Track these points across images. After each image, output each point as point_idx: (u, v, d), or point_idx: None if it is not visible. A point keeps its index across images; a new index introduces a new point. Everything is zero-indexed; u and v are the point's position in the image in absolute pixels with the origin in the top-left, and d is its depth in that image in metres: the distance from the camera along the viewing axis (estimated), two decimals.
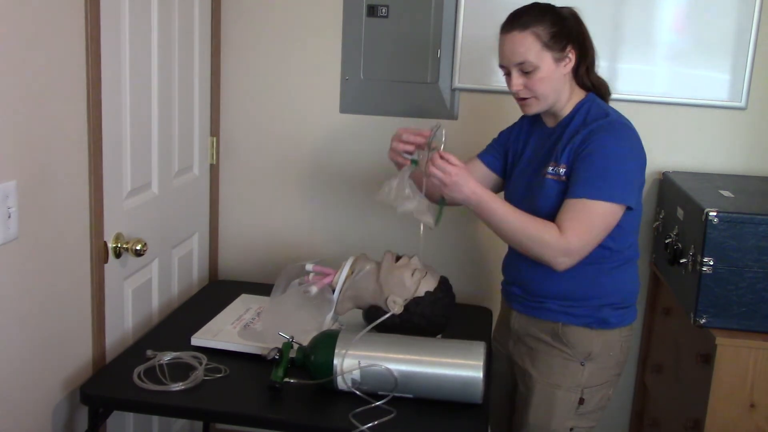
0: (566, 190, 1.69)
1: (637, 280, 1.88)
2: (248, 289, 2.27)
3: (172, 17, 2.17)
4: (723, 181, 2.28)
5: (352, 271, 1.87)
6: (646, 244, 2.51)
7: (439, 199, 1.74)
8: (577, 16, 1.78)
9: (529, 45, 1.69)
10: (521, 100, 1.77)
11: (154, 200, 2.15)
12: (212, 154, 2.56)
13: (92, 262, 1.82)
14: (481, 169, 1.95)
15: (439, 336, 1.84)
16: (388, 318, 1.78)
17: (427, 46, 2.46)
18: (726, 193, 2.09)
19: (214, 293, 2.32)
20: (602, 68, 2.42)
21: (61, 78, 1.65)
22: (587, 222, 1.65)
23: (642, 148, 1.72)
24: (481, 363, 1.61)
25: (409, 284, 1.82)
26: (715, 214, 1.88)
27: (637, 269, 1.87)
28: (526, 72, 1.70)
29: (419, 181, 1.75)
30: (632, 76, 2.41)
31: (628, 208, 1.70)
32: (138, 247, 1.95)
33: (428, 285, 1.83)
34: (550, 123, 1.82)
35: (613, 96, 2.41)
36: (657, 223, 2.40)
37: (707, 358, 1.91)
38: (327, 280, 1.88)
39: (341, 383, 1.63)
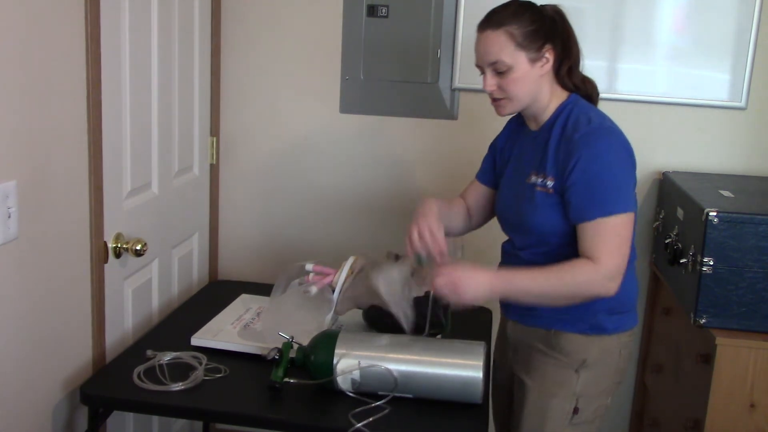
0: (557, 204, 1.64)
1: (635, 283, 1.81)
2: (248, 289, 2.27)
3: (172, 17, 2.17)
4: (723, 181, 2.28)
5: (352, 271, 1.87)
6: (646, 244, 2.51)
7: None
8: (561, 13, 1.71)
9: (503, 44, 1.62)
10: (495, 101, 1.71)
11: (154, 200, 2.15)
12: (212, 154, 2.56)
13: (92, 262, 1.82)
14: (480, 189, 1.92)
15: (439, 336, 1.84)
16: (388, 318, 1.78)
17: (427, 46, 2.46)
18: (726, 193, 2.09)
19: (214, 293, 2.32)
20: (602, 68, 2.44)
21: (61, 78, 1.64)
22: (613, 240, 1.59)
23: (629, 148, 1.65)
24: (481, 363, 1.61)
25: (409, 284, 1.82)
26: (715, 214, 1.88)
27: (635, 271, 1.80)
28: (500, 72, 1.64)
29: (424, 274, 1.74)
30: (632, 76, 2.41)
31: None
32: (138, 247, 1.95)
33: (428, 285, 1.83)
34: (532, 126, 1.76)
35: (613, 96, 2.43)
36: (657, 223, 2.40)
37: (707, 358, 1.91)
38: (327, 280, 1.88)
39: (341, 383, 1.63)
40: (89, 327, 1.85)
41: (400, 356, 1.63)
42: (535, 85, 1.66)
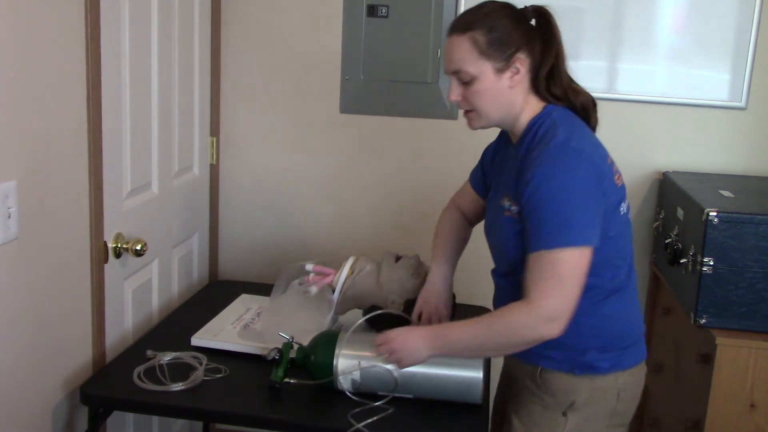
0: (523, 231, 1.47)
1: (635, 316, 1.60)
2: (248, 289, 2.27)
3: (172, 17, 2.17)
4: (723, 181, 2.28)
5: (352, 271, 1.87)
6: (646, 244, 2.51)
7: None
8: (546, 14, 1.53)
9: (465, 51, 1.46)
10: (465, 113, 1.55)
11: (154, 200, 2.15)
12: (212, 154, 2.56)
13: (92, 262, 1.82)
14: (473, 197, 1.80)
15: None
16: (387, 317, 1.78)
17: (427, 46, 2.46)
18: (726, 193, 2.09)
19: (214, 293, 2.32)
20: (602, 68, 2.44)
21: (61, 78, 1.64)
22: (553, 277, 1.40)
23: (598, 172, 1.43)
24: (480, 363, 1.61)
25: (409, 284, 1.82)
26: (715, 214, 1.88)
27: (633, 302, 1.60)
28: (465, 82, 1.49)
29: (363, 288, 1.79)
30: (632, 76, 2.41)
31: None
32: (138, 247, 1.95)
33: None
34: (513, 140, 1.58)
35: (613, 96, 2.43)
36: (657, 223, 2.40)
37: (707, 358, 1.91)
38: (327, 280, 1.88)
39: (341, 384, 1.63)
40: (89, 327, 1.84)
41: None
42: (503, 98, 1.50)
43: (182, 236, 2.39)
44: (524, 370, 1.59)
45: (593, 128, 1.57)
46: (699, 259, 1.92)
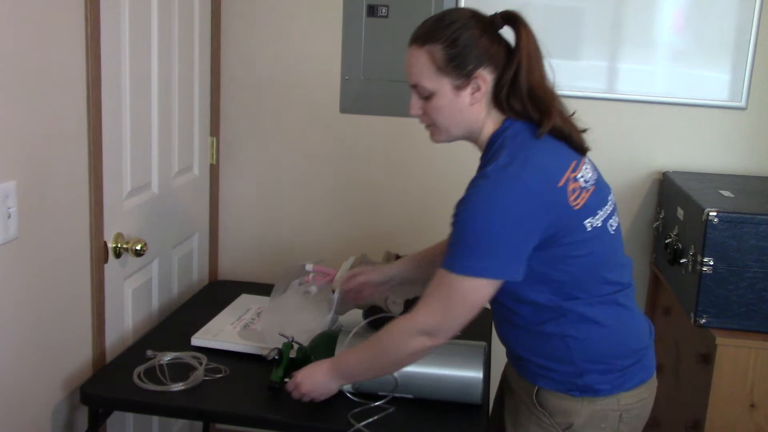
0: None
1: (635, 331, 1.51)
2: (248, 289, 2.27)
3: (172, 17, 2.17)
4: (723, 181, 2.28)
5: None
6: (646, 244, 2.51)
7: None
8: (517, 21, 1.40)
9: (422, 66, 1.39)
10: (426, 127, 1.48)
11: (154, 200, 2.15)
12: (212, 154, 2.56)
13: (92, 262, 1.82)
14: None
15: None
16: (388, 318, 1.78)
17: None
18: (726, 193, 2.09)
19: (214, 293, 2.32)
20: (602, 68, 2.44)
21: (61, 78, 1.64)
22: (442, 299, 1.36)
23: (536, 199, 1.33)
24: (480, 363, 1.61)
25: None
26: (715, 214, 1.88)
27: (631, 317, 1.51)
28: (425, 96, 1.42)
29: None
30: (632, 76, 2.41)
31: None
32: (138, 247, 1.95)
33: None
34: (480, 152, 1.50)
35: (613, 96, 2.44)
36: (657, 223, 2.40)
37: (707, 358, 1.91)
38: (327, 280, 1.88)
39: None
40: (89, 327, 1.84)
41: None
42: (463, 115, 1.41)
43: (182, 236, 2.39)
44: (523, 386, 1.54)
45: (578, 147, 1.45)
46: (699, 259, 1.92)
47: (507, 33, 1.43)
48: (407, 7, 2.45)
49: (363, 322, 1.70)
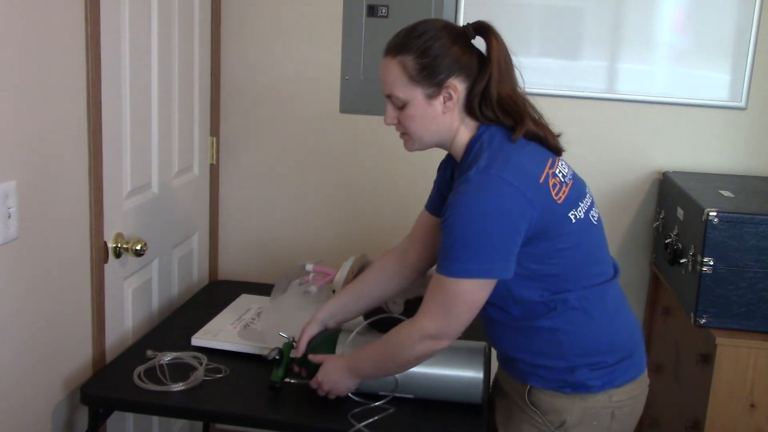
0: None
1: (625, 326, 1.54)
2: (248, 289, 2.27)
3: (173, 17, 2.17)
4: (723, 181, 2.28)
5: (352, 271, 1.87)
6: (646, 244, 2.51)
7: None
8: (488, 31, 1.44)
9: (395, 76, 1.42)
10: (400, 136, 1.51)
11: (154, 200, 2.15)
12: (212, 154, 2.56)
13: (92, 262, 1.82)
14: (428, 220, 1.67)
15: None
16: (391, 319, 1.78)
17: None
18: (726, 193, 2.10)
19: (214, 293, 2.32)
20: (602, 68, 2.44)
21: (61, 78, 1.64)
22: (442, 303, 1.40)
23: (519, 197, 1.36)
24: (481, 363, 1.61)
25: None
26: (715, 214, 1.88)
27: (622, 312, 1.54)
28: (399, 106, 1.45)
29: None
30: (632, 76, 2.41)
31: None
32: (138, 247, 1.94)
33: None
34: (458, 160, 1.52)
35: (613, 96, 2.44)
36: (657, 223, 2.41)
37: (707, 358, 1.91)
38: (327, 280, 1.88)
39: None
40: (89, 327, 1.84)
41: None
42: (436, 124, 1.45)
43: (182, 236, 2.39)
44: (514, 386, 1.57)
45: (553, 148, 1.48)
46: (699, 259, 1.92)
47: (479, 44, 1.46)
48: (407, 7, 2.45)
49: (364, 323, 1.70)
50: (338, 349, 1.64)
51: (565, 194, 1.43)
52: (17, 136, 1.52)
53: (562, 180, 1.45)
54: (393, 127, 1.50)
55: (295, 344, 1.70)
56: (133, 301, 2.06)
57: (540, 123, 1.48)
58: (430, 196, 1.69)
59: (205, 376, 1.73)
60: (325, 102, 2.55)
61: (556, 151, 1.50)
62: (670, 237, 2.18)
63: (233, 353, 1.84)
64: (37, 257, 1.62)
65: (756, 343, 1.88)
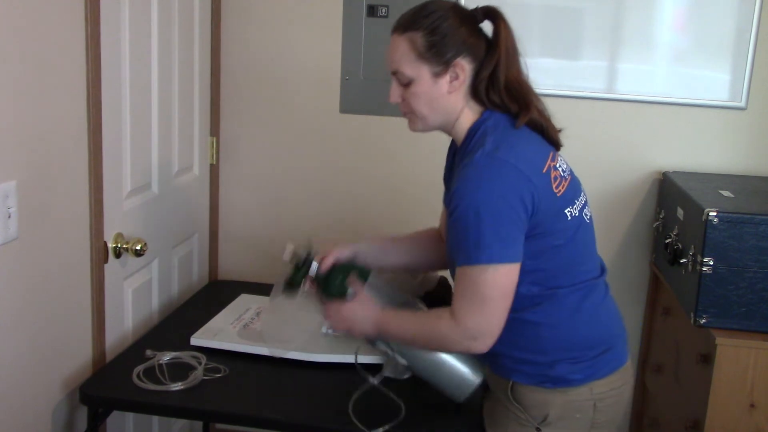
0: None
1: (605, 320, 1.53)
2: (248, 289, 2.27)
3: (172, 17, 2.17)
4: (723, 181, 2.28)
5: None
6: (646, 244, 2.51)
7: None
8: (497, 16, 1.45)
9: (403, 52, 1.42)
10: (404, 114, 1.52)
11: (154, 200, 2.15)
12: (212, 154, 2.56)
13: (92, 262, 1.82)
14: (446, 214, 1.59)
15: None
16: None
17: None
18: (726, 193, 2.09)
19: (214, 293, 2.32)
20: (602, 68, 2.44)
21: (61, 78, 1.65)
22: (475, 296, 1.37)
23: (524, 182, 1.36)
24: (484, 372, 1.59)
25: (409, 284, 1.82)
26: (715, 214, 1.88)
27: (603, 305, 1.54)
28: (404, 83, 1.45)
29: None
30: (632, 76, 2.41)
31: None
32: (138, 247, 1.95)
33: (428, 285, 1.83)
34: (458, 144, 1.53)
35: (613, 96, 2.43)
36: (657, 223, 2.40)
37: (707, 358, 1.91)
38: None
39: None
40: (89, 327, 1.85)
41: None
42: (441, 103, 1.45)
43: (182, 236, 2.39)
44: (497, 382, 1.55)
45: (553, 142, 1.50)
46: (699, 259, 1.92)
47: (487, 28, 1.48)
48: (407, 7, 2.44)
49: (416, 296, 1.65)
50: (366, 289, 1.56)
51: (564, 189, 1.44)
52: (17, 136, 1.52)
53: (562, 174, 1.46)
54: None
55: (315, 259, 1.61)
56: (133, 301, 2.06)
57: (543, 114, 1.49)
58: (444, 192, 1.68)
59: (205, 375, 1.73)
60: (325, 102, 2.55)
61: (556, 144, 1.51)
62: (670, 237, 2.18)
63: (232, 353, 1.85)
64: (37, 257, 1.62)
65: (756, 343, 1.87)
